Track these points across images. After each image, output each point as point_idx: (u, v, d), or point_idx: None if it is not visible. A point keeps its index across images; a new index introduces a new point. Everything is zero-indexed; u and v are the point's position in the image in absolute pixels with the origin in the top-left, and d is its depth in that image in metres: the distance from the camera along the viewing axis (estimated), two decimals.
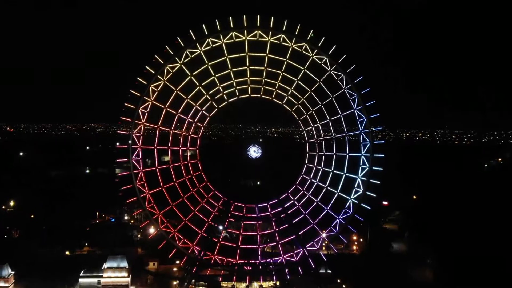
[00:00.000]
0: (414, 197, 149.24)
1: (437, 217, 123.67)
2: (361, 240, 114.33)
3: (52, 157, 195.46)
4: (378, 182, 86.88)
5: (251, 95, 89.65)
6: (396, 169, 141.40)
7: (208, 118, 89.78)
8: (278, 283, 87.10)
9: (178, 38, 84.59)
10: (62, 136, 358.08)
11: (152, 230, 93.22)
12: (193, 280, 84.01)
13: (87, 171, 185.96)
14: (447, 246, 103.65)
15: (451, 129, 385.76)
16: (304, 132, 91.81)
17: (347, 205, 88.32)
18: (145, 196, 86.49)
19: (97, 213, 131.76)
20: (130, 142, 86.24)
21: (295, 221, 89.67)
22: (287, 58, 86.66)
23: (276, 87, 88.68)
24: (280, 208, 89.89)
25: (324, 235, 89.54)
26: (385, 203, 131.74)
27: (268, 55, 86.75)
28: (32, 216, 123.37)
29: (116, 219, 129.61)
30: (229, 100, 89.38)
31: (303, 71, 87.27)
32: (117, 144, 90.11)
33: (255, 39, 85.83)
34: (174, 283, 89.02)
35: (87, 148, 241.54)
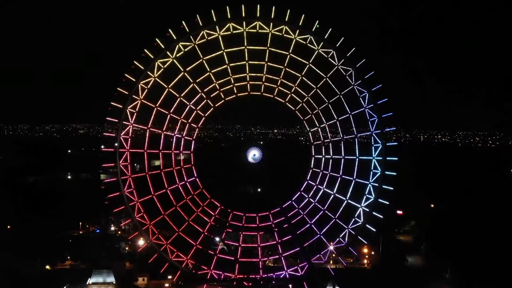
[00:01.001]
0: (432, 205, 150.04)
1: (457, 227, 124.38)
2: (372, 253, 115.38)
3: (29, 161, 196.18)
4: (391, 189, 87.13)
5: (251, 93, 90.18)
6: (411, 174, 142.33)
7: (204, 118, 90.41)
8: None
9: (169, 30, 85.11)
10: (40, 137, 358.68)
11: (141, 242, 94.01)
12: None
13: (69, 176, 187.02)
14: (468, 259, 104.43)
15: (474, 130, 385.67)
16: (309, 133, 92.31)
17: (357, 213, 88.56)
18: (134, 205, 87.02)
19: (80, 223, 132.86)
20: (117, 145, 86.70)
21: (299, 231, 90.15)
22: (290, 51, 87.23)
23: (278, 83, 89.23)
24: (283, 218, 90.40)
25: (331, 247, 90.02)
26: (399, 212, 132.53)
27: (269, 48, 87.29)
28: (9, 226, 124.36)
29: (101, 230, 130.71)
30: (226, 99, 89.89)
31: (308, 66, 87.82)
32: (102, 147, 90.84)
33: (255, 31, 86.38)
34: None
35: (69, 151, 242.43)
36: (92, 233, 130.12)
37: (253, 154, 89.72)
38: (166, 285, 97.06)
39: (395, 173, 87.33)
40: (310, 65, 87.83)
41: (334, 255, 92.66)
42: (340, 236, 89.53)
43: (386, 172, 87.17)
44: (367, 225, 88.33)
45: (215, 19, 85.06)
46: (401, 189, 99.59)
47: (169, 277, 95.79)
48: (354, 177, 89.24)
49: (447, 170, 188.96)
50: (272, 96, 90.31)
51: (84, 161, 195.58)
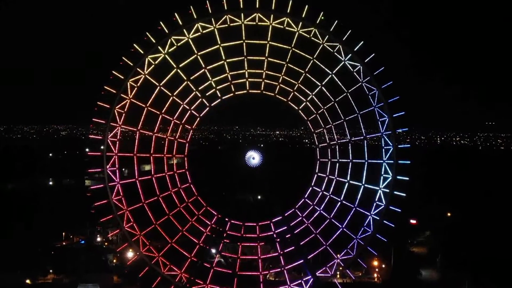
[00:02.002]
0: (449, 214, 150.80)
1: (476, 238, 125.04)
2: (383, 265, 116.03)
3: (7, 166, 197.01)
4: (404, 195, 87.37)
5: (250, 91, 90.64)
6: (426, 180, 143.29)
7: (198, 119, 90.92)
8: None
9: (161, 23, 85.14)
10: (18, 140, 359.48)
11: (131, 254, 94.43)
12: None
13: (51, 183, 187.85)
14: (489, 273, 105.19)
15: (496, 132, 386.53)
16: (314, 134, 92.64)
17: (366, 222, 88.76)
18: (123, 214, 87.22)
19: (63, 233, 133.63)
20: (103, 147, 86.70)
21: (303, 242, 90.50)
22: (292, 46, 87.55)
23: (280, 81, 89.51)
24: (286, 227, 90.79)
25: (339, 259, 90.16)
26: (412, 221, 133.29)
27: (270, 42, 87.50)
28: None
29: (86, 240, 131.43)
30: (223, 97, 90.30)
31: (312, 61, 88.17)
32: (87, 150, 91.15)
33: (254, 23, 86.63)
34: None
35: (50, 155, 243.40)
36: (77, 244, 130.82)
37: (253, 158, 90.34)
38: None
39: (407, 178, 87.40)
40: (315, 60, 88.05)
41: (341, 268, 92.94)
42: (348, 247, 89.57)
43: (398, 177, 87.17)
44: (377, 235, 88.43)
45: (210, 11, 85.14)
46: (414, 195, 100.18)
47: None
48: (363, 183, 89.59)
49: (466, 175, 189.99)
50: (273, 94, 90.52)
51: (66, 165, 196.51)
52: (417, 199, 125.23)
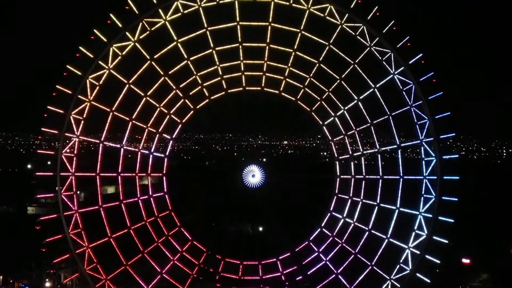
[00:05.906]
0: None
1: None
2: None
3: None
4: (452, 221, 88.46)
5: (247, 88, 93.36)
6: (483, 204, 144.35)
7: (180, 126, 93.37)
8: None
9: (129, 1, 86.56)
10: None
11: None
12: None
13: None
14: None
15: None
16: (332, 143, 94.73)
17: (403, 257, 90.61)
18: (83, 252, 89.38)
19: (1, 277, 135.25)
20: (49, 163, 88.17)
21: (320, 285, 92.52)
22: (301, 28, 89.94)
23: (286, 74, 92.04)
24: (297, 266, 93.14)
25: None
26: (465, 260, 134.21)
27: (272, 24, 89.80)
28: None
29: (31, 286, 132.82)
30: (212, 97, 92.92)
31: (327, 47, 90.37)
32: (29, 166, 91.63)
33: None
34: None
35: None
36: None
37: (252, 176, 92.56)
38: None
39: (456, 199, 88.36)
40: (331, 46, 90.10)
41: None
42: None
43: (444, 198, 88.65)
44: (418, 275, 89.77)
45: None
46: (467, 224, 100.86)
47: None
48: (398, 206, 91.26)
49: None
50: (277, 92, 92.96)
51: (2, 188, 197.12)
52: (471, 230, 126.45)
